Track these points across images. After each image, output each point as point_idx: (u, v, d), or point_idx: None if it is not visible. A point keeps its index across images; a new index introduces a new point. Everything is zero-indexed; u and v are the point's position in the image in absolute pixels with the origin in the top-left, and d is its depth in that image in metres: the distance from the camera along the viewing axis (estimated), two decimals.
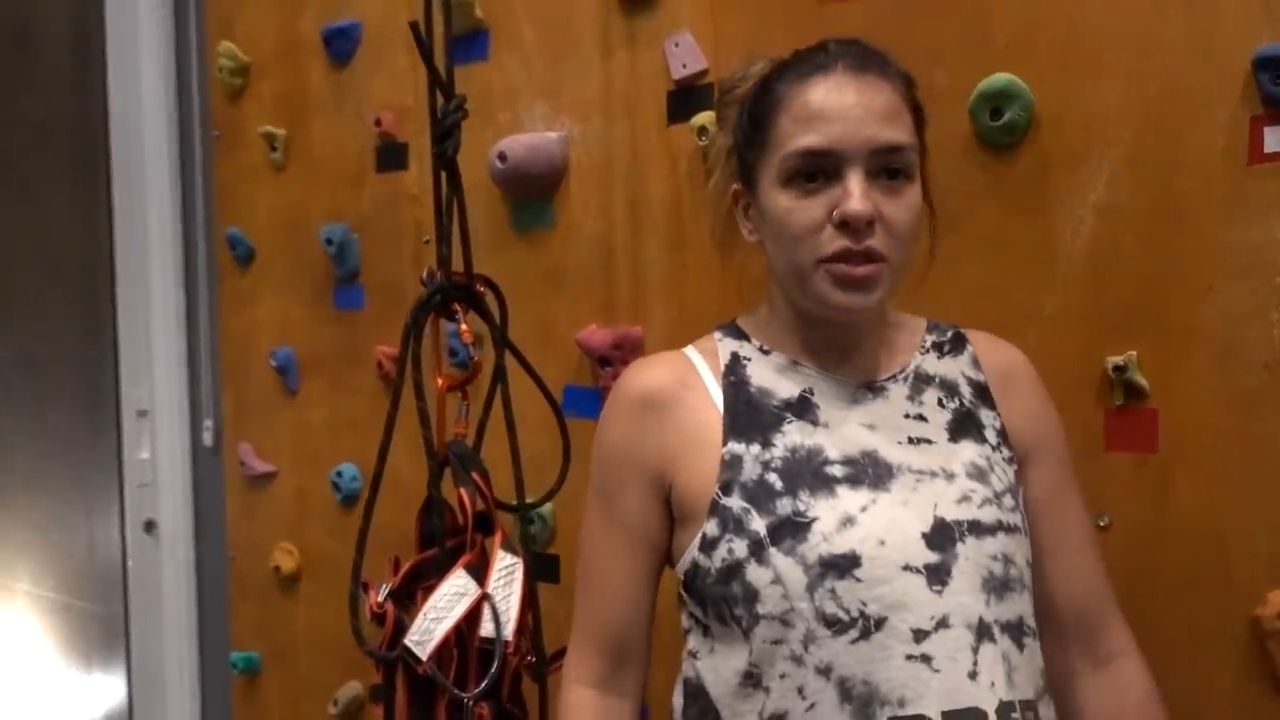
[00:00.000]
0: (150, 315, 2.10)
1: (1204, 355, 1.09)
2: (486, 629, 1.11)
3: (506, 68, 1.61)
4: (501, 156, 1.54)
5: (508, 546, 1.17)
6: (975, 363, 0.95)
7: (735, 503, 0.82)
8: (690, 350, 0.95)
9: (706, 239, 1.39)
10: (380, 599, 1.17)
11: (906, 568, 0.78)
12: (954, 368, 0.94)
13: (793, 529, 0.80)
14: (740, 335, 0.95)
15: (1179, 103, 1.08)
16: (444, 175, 1.24)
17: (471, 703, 1.10)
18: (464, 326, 1.25)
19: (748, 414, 0.87)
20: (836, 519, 0.80)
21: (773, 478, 0.83)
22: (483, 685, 1.09)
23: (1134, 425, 1.13)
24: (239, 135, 2.00)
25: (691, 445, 0.87)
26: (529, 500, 1.26)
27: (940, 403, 0.90)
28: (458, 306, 1.25)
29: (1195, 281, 1.09)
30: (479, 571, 1.14)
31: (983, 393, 0.92)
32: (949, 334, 0.97)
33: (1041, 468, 0.93)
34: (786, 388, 0.89)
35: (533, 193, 1.56)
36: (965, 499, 0.83)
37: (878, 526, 0.80)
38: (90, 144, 2.21)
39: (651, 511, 0.90)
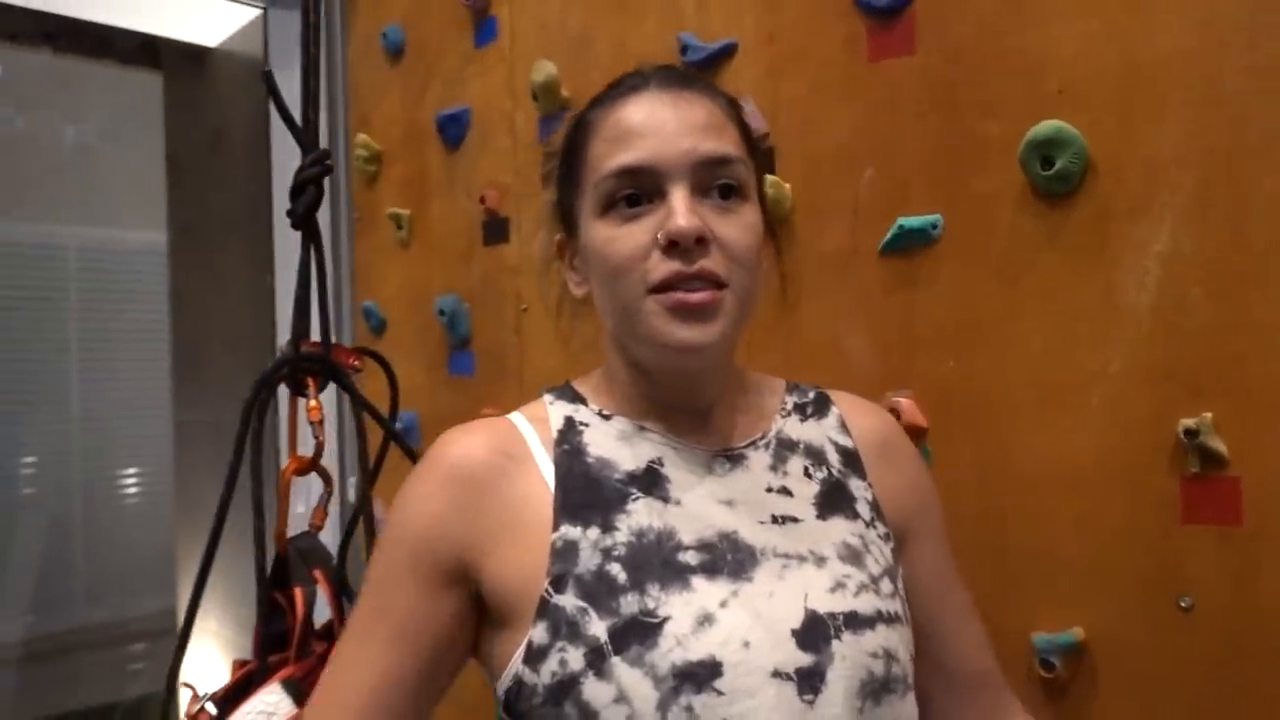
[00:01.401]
0: None
1: None
2: None
3: None
4: None
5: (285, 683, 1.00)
6: (843, 427, 0.86)
7: (569, 601, 0.68)
8: (516, 416, 0.82)
9: (768, 299, 1.40)
10: (194, 710, 1.02)
11: (776, 674, 0.66)
12: (819, 432, 0.84)
13: (640, 632, 0.66)
14: (575, 398, 0.83)
15: (1247, 144, 0.99)
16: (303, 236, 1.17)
17: None
18: (313, 403, 1.13)
19: (585, 490, 0.74)
20: (692, 618, 0.67)
21: (615, 569, 0.69)
22: None
23: (1214, 495, 1.02)
24: (374, 217, 2.18)
25: (513, 530, 0.73)
26: None
27: (806, 472, 0.80)
28: (310, 381, 1.13)
29: (1272, 336, 0.98)
30: (296, 689, 0.98)
31: (852, 460, 0.83)
32: (811, 395, 0.89)
33: (924, 543, 0.85)
34: (631, 458, 0.76)
35: None
36: (839, 586, 0.72)
37: (740, 625, 0.67)
38: (262, 233, 2.48)
39: (437, 614, 0.74)
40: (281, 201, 2.33)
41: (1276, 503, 0.98)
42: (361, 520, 1.19)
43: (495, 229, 1.86)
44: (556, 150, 0.87)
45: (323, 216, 2.29)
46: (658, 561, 0.70)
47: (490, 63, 1.87)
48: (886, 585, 0.75)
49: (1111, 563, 1.09)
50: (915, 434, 1.24)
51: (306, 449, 1.17)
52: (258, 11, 2.42)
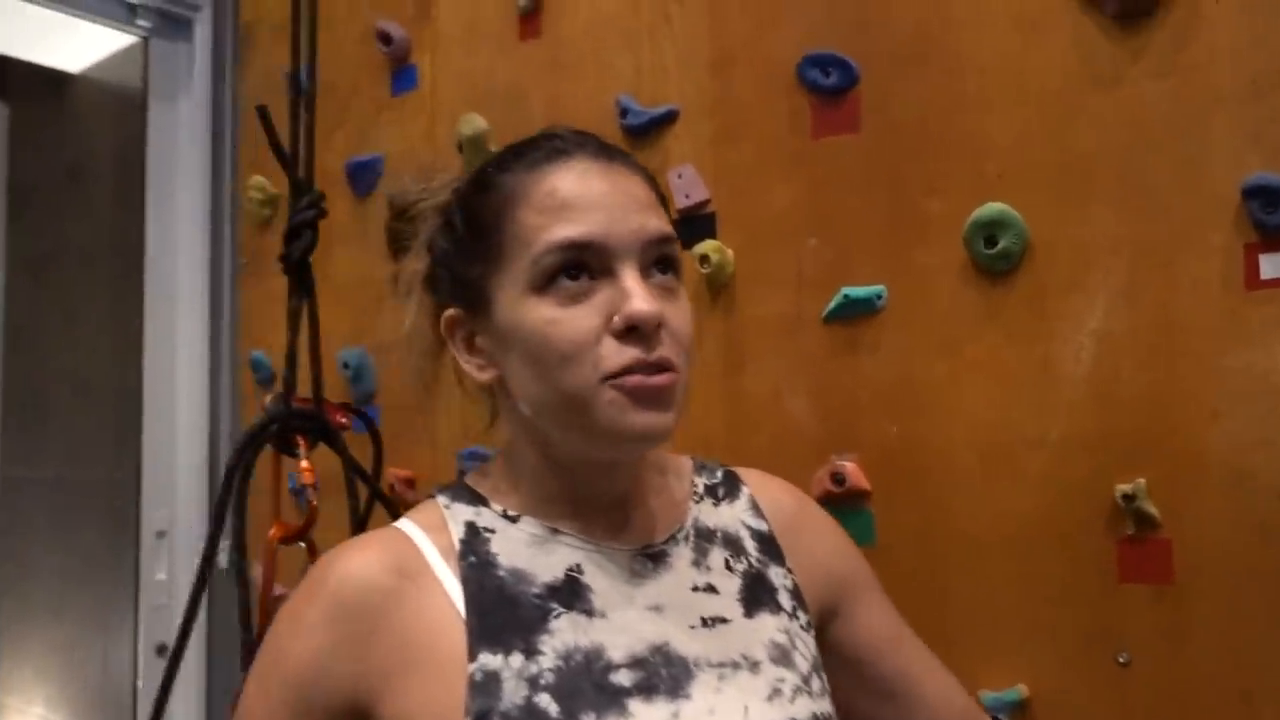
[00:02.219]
0: (175, 437, 2.13)
1: (1214, 483, 1.06)
2: None
3: None
4: None
5: None
6: (755, 508, 0.80)
7: None
8: (407, 524, 0.72)
9: (709, 361, 1.42)
10: None
11: None
12: (733, 517, 0.78)
13: None
14: (474, 499, 0.73)
15: (1172, 230, 1.09)
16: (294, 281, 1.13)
17: None
18: (304, 464, 1.07)
19: (500, 609, 0.66)
20: None
21: (545, 700, 0.62)
22: None
23: (1148, 556, 1.09)
24: (265, 262, 2.06)
25: (417, 663, 0.64)
26: None
27: (728, 565, 0.74)
28: (300, 440, 1.07)
29: (1200, 407, 1.07)
30: None
31: (769, 546, 0.78)
32: (719, 475, 0.83)
33: (865, 603, 0.82)
34: (547, 567, 0.69)
35: None
36: (776, 693, 0.68)
37: None
38: (128, 272, 2.30)
39: None
40: (158, 236, 2.18)
41: (1204, 561, 1.06)
42: None
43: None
44: (433, 210, 0.76)
45: (200, 261, 2.17)
46: (589, 686, 0.63)
47: (408, 111, 1.83)
48: (816, 683, 0.72)
49: (1052, 621, 1.14)
50: (859, 497, 1.27)
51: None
52: (132, 39, 2.27)
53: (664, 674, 0.65)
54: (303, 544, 1.06)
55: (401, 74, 1.84)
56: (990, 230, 1.18)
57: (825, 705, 0.71)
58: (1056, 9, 1.15)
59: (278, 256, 1.15)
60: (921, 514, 1.23)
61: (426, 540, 0.70)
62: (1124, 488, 1.09)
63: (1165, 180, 1.09)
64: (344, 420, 1.09)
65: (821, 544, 0.82)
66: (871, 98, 1.29)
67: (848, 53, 1.31)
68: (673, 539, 0.73)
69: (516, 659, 0.64)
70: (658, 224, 0.71)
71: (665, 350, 0.66)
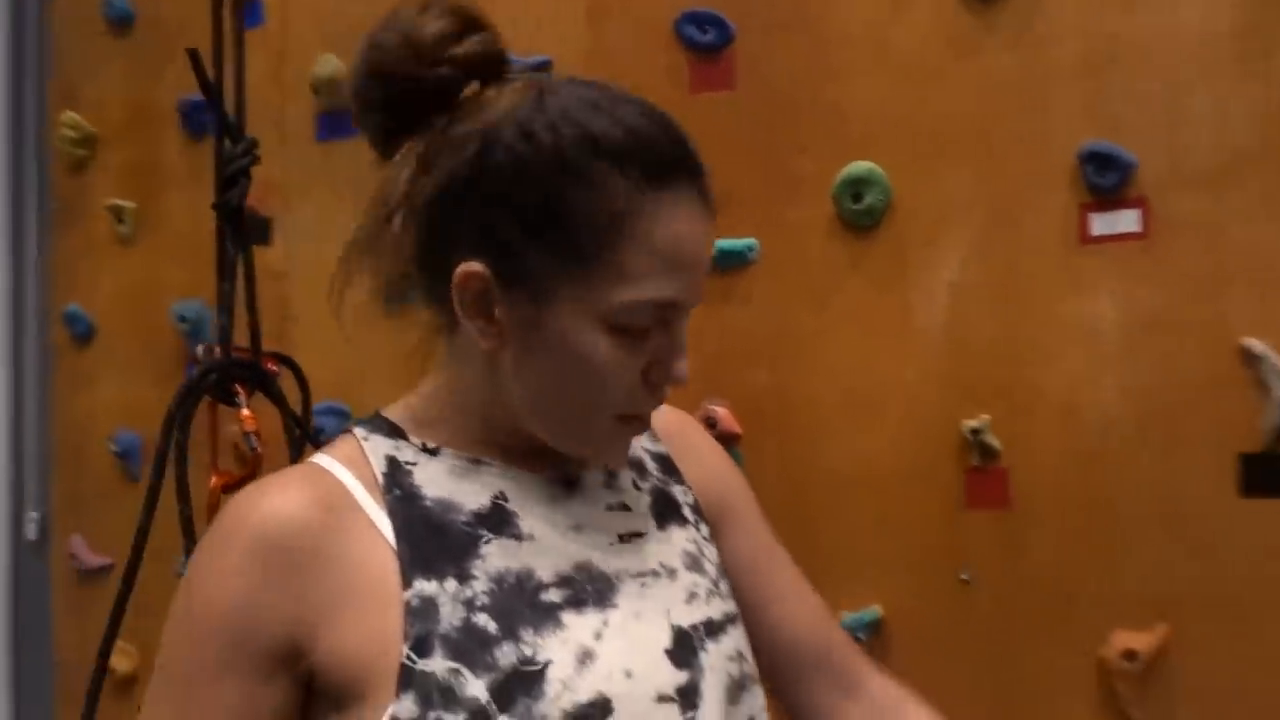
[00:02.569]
0: None
1: (1048, 417, 1.19)
2: None
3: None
4: None
5: None
6: (650, 432, 0.80)
7: (439, 664, 0.61)
8: (325, 459, 0.69)
9: None
10: None
11: (660, 698, 0.64)
12: (640, 440, 0.79)
13: (524, 683, 0.61)
14: (391, 431, 0.71)
15: (1017, 192, 1.21)
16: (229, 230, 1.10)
17: None
18: (246, 412, 1.05)
19: (430, 538, 0.65)
20: (572, 657, 0.63)
21: (483, 619, 0.63)
22: None
23: (989, 484, 1.21)
24: (80, 208, 1.89)
25: (351, 595, 0.63)
26: None
27: (635, 485, 0.75)
28: (239, 389, 1.06)
29: (1038, 350, 1.19)
30: None
31: (668, 465, 0.80)
32: None
33: (742, 522, 0.84)
34: (473, 495, 0.69)
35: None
36: (693, 596, 0.71)
37: (620, 655, 0.64)
38: None
39: (263, 710, 0.63)
40: None
41: (1037, 487, 1.19)
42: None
43: (256, 230, 1.70)
44: (487, 136, 0.64)
45: (2, 205, 1.96)
46: (523, 605, 0.64)
47: (250, 48, 1.71)
48: (724, 586, 0.75)
49: (905, 547, 1.25)
50: (730, 440, 1.33)
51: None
52: None
53: (589, 588, 0.67)
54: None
55: (245, 8, 1.73)
56: (857, 187, 1.26)
57: (733, 605, 0.75)
58: None
59: (211, 204, 1.07)
60: (788, 454, 1.31)
61: (348, 474, 0.67)
62: (970, 423, 1.21)
63: (1013, 145, 1.21)
64: (274, 368, 1.04)
65: (704, 463, 0.84)
66: (746, 58, 1.35)
67: (725, 11, 1.35)
68: (584, 464, 0.74)
69: (451, 584, 0.64)
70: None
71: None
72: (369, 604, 0.63)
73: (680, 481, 0.80)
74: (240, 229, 1.03)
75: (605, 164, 0.63)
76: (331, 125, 1.65)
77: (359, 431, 0.71)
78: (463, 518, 0.67)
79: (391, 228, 0.66)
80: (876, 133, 1.27)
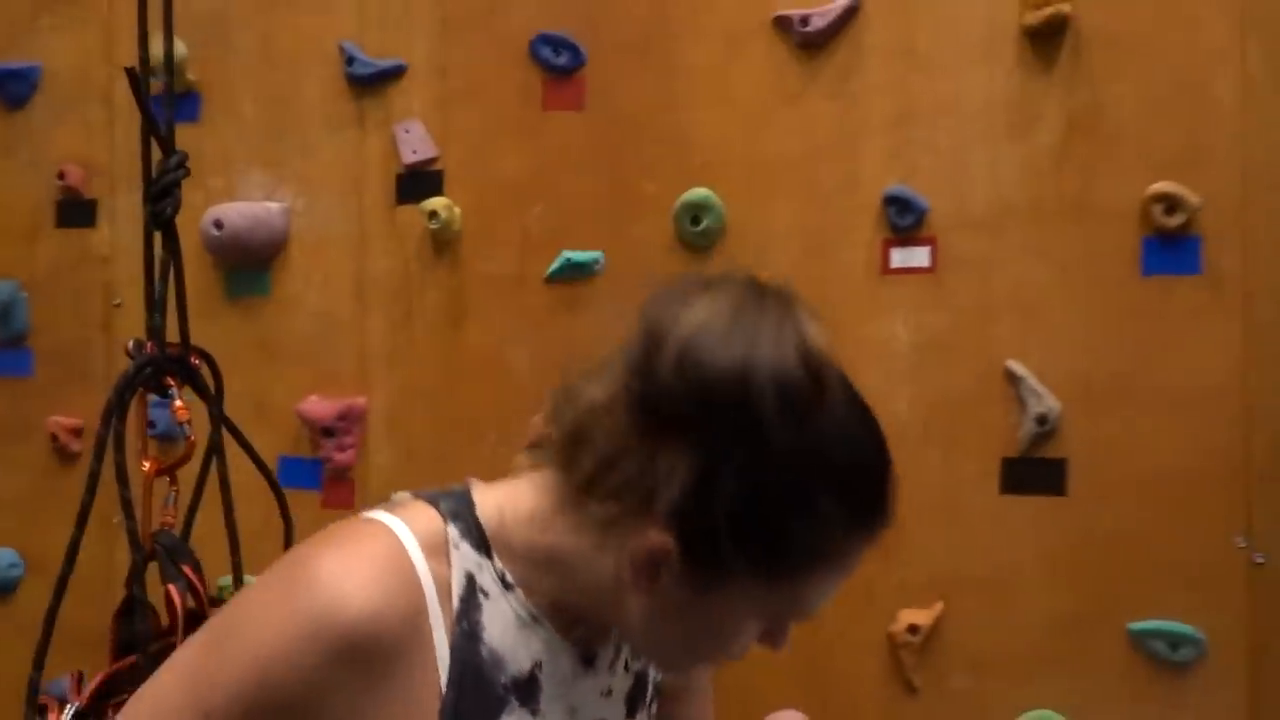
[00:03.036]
0: None
1: None
2: None
3: (220, 133, 1.58)
4: (217, 224, 1.51)
5: None
6: None
7: None
8: (413, 546, 0.66)
9: (432, 313, 1.49)
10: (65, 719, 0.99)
11: None
12: None
13: None
14: (481, 544, 0.68)
15: (832, 225, 1.37)
16: (160, 237, 1.16)
17: None
18: (179, 403, 1.10)
19: (473, 694, 0.66)
20: None
21: None
22: None
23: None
24: None
25: (394, 717, 0.64)
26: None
27: (626, 667, 0.77)
28: (171, 381, 1.12)
29: (844, 367, 1.36)
30: None
31: None
32: None
33: (693, 704, 0.89)
34: (519, 658, 0.68)
35: (250, 262, 1.54)
36: None
37: None
38: None
39: None
40: None
41: None
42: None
43: (76, 211, 1.63)
44: (760, 454, 0.61)
45: None
46: None
47: (73, 19, 1.64)
48: None
49: None
50: None
51: None
52: None
53: None
54: (168, 478, 1.09)
55: None
56: (695, 211, 1.39)
57: None
58: (757, 30, 1.38)
59: (148, 213, 1.09)
60: None
61: (433, 591, 0.65)
62: None
63: (831, 184, 1.37)
64: (198, 362, 1.10)
65: None
66: (597, 81, 1.44)
67: (577, 37, 1.44)
68: (606, 642, 0.75)
69: None
70: None
71: None
72: None
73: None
74: (173, 239, 1.10)
75: (828, 500, 0.61)
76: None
77: (452, 532, 0.67)
78: (503, 679, 0.68)
79: (615, 417, 0.64)
80: (714, 162, 1.40)
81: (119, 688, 1.00)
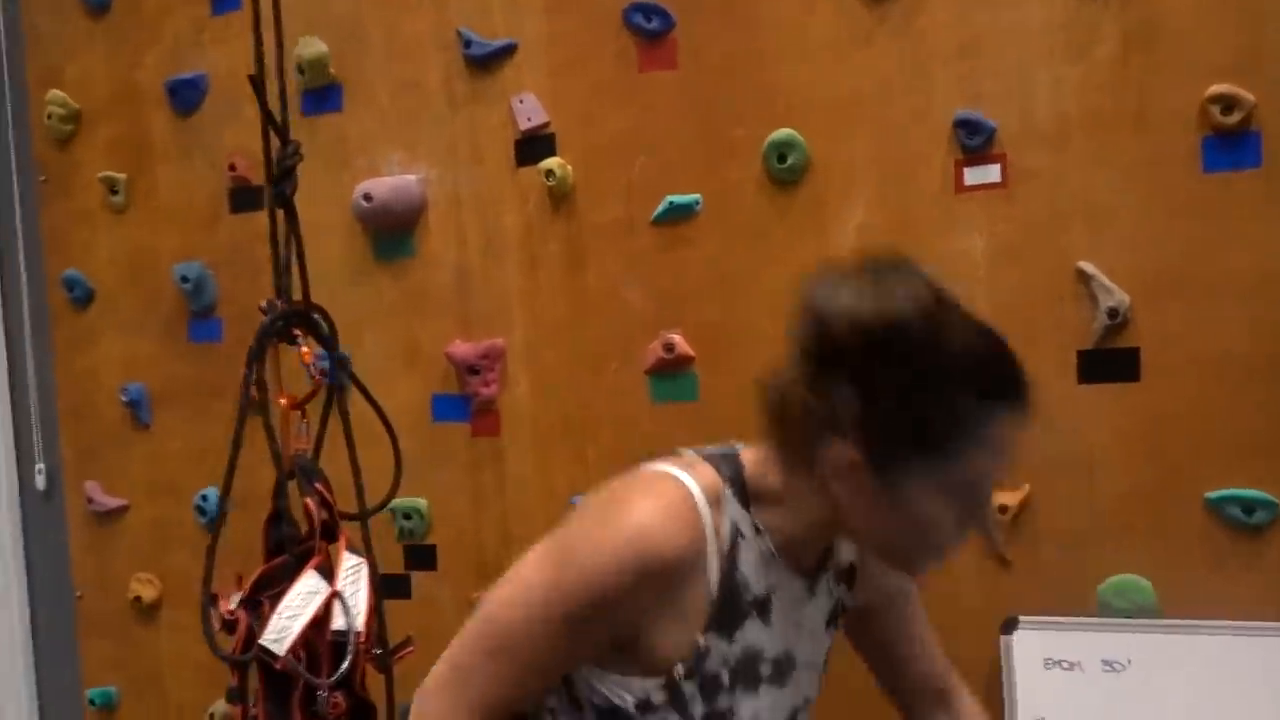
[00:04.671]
0: None
1: None
2: (338, 623, 1.15)
3: (361, 119, 1.81)
4: (367, 197, 1.74)
5: (352, 549, 1.22)
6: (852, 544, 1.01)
7: (690, 687, 0.87)
8: (704, 508, 0.87)
9: (554, 260, 1.69)
10: (232, 607, 1.18)
11: None
12: (847, 552, 1.01)
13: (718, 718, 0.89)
14: (744, 499, 0.90)
15: (908, 152, 1.51)
16: (282, 212, 1.30)
17: (327, 692, 1.13)
18: (304, 349, 1.27)
19: (730, 605, 0.88)
20: (750, 716, 0.91)
21: (726, 675, 0.89)
22: (338, 673, 1.13)
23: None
24: (69, 179, 2.04)
25: (678, 621, 0.87)
26: (369, 507, 1.32)
27: (829, 592, 0.98)
28: (298, 331, 1.29)
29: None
30: (327, 573, 1.18)
31: (851, 574, 1.01)
32: None
33: (899, 611, 1.07)
34: (760, 583, 0.90)
35: (395, 227, 1.78)
36: (812, 684, 1.00)
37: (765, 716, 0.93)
38: None
39: (578, 654, 0.89)
40: None
41: None
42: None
43: (245, 197, 1.89)
44: (903, 361, 0.80)
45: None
46: (748, 673, 0.91)
47: (233, 31, 1.89)
48: (822, 667, 1.02)
49: None
50: (685, 362, 1.62)
51: None
52: None
53: (784, 669, 0.94)
54: (300, 411, 1.27)
55: None
56: (781, 150, 1.54)
57: (819, 683, 1.02)
58: None
59: (269, 188, 1.30)
60: (735, 374, 1.59)
61: (710, 526, 0.87)
62: None
63: (902, 115, 1.51)
64: (318, 316, 1.32)
65: (885, 574, 1.02)
66: (686, 42, 1.61)
67: (666, 3, 1.61)
68: (825, 571, 0.97)
69: (723, 644, 0.89)
70: None
71: None
72: (684, 629, 0.88)
73: (851, 587, 1.02)
74: (292, 213, 1.28)
75: (969, 396, 0.80)
76: (313, 101, 1.84)
77: (726, 489, 0.89)
78: (748, 596, 0.90)
79: (798, 382, 0.85)
80: (797, 104, 1.55)
81: (273, 581, 1.19)
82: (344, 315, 1.83)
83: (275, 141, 1.31)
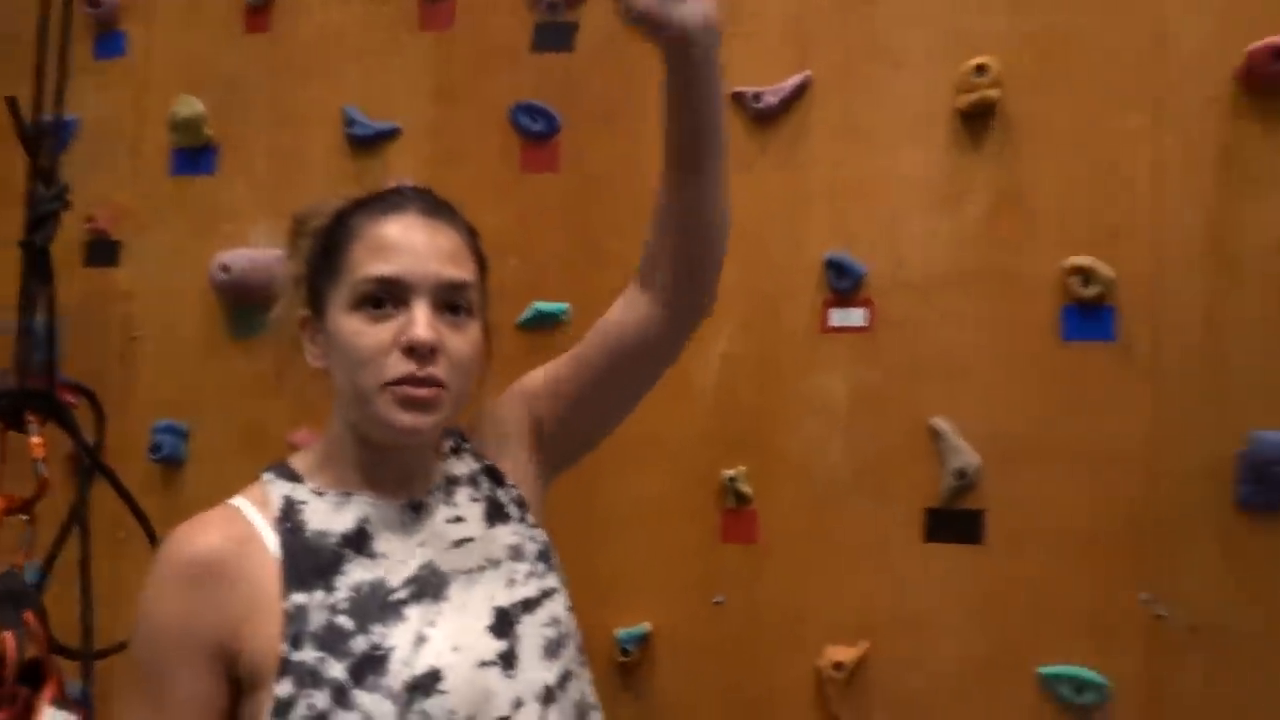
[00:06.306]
0: None
1: (789, 471, 1.46)
2: None
3: (233, 185, 1.74)
4: (224, 268, 1.66)
5: (61, 702, 1.03)
6: (473, 452, 1.00)
7: (308, 655, 0.81)
8: (240, 500, 0.88)
9: None
10: None
11: (482, 664, 0.84)
12: (467, 463, 0.98)
13: (373, 664, 0.81)
14: (293, 477, 0.91)
15: (778, 285, 1.48)
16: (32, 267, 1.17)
17: None
18: (37, 439, 1.10)
19: (306, 559, 0.85)
20: (410, 641, 0.83)
21: (343, 620, 0.83)
22: None
23: (741, 523, 1.48)
24: None
25: (256, 607, 0.83)
26: (104, 647, 1.12)
27: (471, 498, 0.95)
28: (32, 417, 1.11)
29: (785, 416, 1.47)
30: None
31: (492, 473, 0.98)
32: (454, 435, 1.01)
33: (544, 397, 1.04)
34: (342, 521, 0.88)
35: (251, 302, 1.69)
36: (511, 582, 0.90)
37: (448, 635, 0.84)
38: None
39: (214, 692, 0.83)
40: None
41: (779, 527, 1.47)
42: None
43: (102, 250, 1.80)
44: (311, 232, 0.94)
45: None
46: (376, 606, 0.84)
47: (113, 78, 1.82)
48: (541, 565, 0.93)
49: (671, 573, 1.50)
50: None
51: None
52: None
53: (430, 585, 0.87)
54: (24, 516, 1.09)
55: (107, 39, 1.83)
56: None
57: (551, 581, 0.94)
58: None
59: (18, 241, 1.19)
60: (576, 494, 1.53)
61: (255, 512, 0.87)
62: (729, 472, 1.47)
63: (776, 247, 1.48)
64: (72, 399, 1.14)
65: (508, 436, 1.01)
66: (570, 146, 1.58)
67: (553, 105, 1.58)
68: (430, 491, 0.93)
69: (319, 594, 0.84)
70: (453, 272, 0.88)
71: (437, 369, 0.85)
72: (266, 611, 0.82)
73: (502, 484, 0.97)
74: (46, 268, 1.13)
75: (349, 213, 0.91)
76: (185, 161, 1.77)
77: (266, 475, 0.90)
78: (333, 541, 0.86)
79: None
80: None
81: None
82: (188, 390, 1.77)
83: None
